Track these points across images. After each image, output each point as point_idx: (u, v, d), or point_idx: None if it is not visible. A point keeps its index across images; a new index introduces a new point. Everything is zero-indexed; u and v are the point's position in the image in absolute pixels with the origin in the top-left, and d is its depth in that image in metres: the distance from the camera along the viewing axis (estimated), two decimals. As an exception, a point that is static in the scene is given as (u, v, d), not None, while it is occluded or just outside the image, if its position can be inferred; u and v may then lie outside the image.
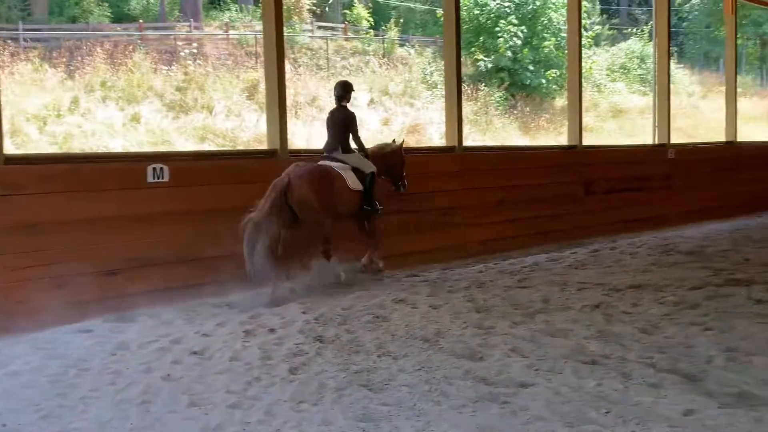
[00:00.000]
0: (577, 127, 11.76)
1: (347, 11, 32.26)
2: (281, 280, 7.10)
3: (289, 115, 8.72)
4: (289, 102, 17.83)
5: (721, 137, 15.79)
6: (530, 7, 26.49)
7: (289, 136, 8.41)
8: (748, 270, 8.11)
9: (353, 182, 7.68)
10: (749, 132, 26.85)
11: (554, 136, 25.14)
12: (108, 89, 20.75)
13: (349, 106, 8.00)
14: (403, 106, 24.44)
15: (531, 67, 26.56)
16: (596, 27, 33.19)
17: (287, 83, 8.87)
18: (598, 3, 36.83)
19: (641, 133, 24.13)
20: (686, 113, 29.39)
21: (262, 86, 11.94)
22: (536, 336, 5.53)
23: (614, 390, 4.27)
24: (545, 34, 26.54)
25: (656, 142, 13.51)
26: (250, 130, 20.28)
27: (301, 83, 23.28)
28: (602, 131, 26.06)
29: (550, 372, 4.65)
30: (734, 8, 15.38)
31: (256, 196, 7.44)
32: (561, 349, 5.16)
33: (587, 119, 25.01)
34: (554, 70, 26.50)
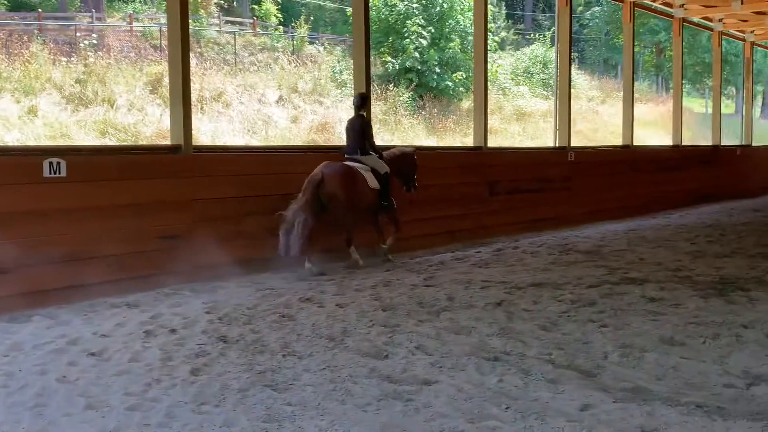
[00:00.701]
0: (483, 129, 11.99)
1: (256, 6, 31.92)
2: (307, 259, 8.21)
3: (194, 110, 8.58)
4: (194, 97, 17.48)
5: (618, 141, 16.42)
6: (437, 9, 26.84)
7: (193, 132, 8.25)
8: (642, 269, 8.45)
9: (372, 182, 8.77)
10: (645, 136, 28.06)
11: (460, 137, 25.58)
12: (3, 80, 19.82)
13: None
14: (312, 104, 24.34)
15: (438, 69, 26.92)
16: (502, 31, 33.95)
17: (192, 78, 8.70)
18: (503, 8, 37.67)
19: (543, 136, 24.86)
20: (586, 117, 30.46)
21: (167, 80, 11.66)
22: (441, 333, 5.61)
23: (514, 386, 4.37)
24: (452, 36, 26.95)
25: (557, 145, 13.91)
26: (153, 125, 19.77)
27: (208, 78, 22.86)
28: (507, 133, 26.70)
29: (453, 369, 4.72)
30: (632, 17, 16.02)
31: (158, 193, 7.33)
32: (464, 346, 5.24)
33: (492, 121, 25.54)
34: (461, 73, 26.94)
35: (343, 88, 24.87)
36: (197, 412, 4.04)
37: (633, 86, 16.40)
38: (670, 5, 17.94)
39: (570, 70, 14.23)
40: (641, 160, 16.11)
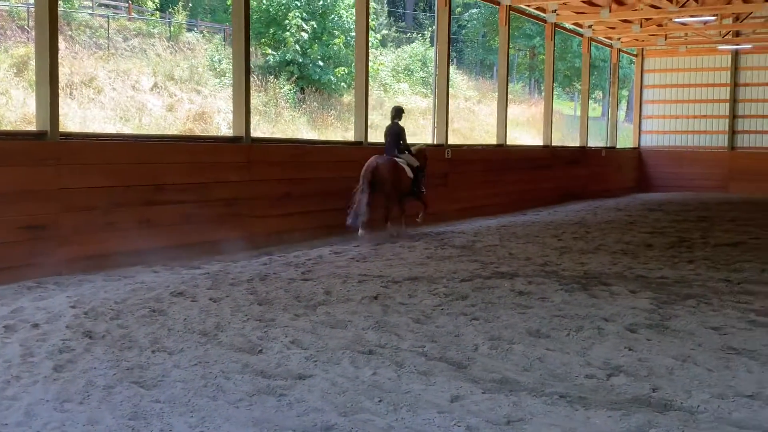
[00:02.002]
0: (363, 124, 12.06)
1: (132, -10, 30.72)
2: (361, 228, 10.51)
3: (62, 95, 8.16)
4: (63, 81, 16.62)
5: (493, 140, 16.93)
6: (320, 3, 26.74)
7: (61, 118, 7.85)
8: (513, 264, 8.76)
9: (408, 172, 11.34)
10: (518, 136, 29.05)
11: (342, 132, 25.61)
12: None
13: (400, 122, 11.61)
14: (190, 93, 23.70)
15: (321, 63, 26.83)
16: (383, 29, 34.23)
17: (61, 61, 8.28)
18: (385, 5, 37.99)
19: (422, 133, 25.25)
20: (463, 116, 31.18)
21: (33, 63, 11.04)
22: (317, 328, 5.60)
23: (388, 378, 4.41)
24: (335, 31, 26.93)
25: (435, 142, 14.18)
26: (17, 110, 18.67)
27: (78, 62, 21.81)
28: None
29: (328, 363, 4.72)
30: (507, 20, 16.53)
31: (21, 182, 6.97)
32: (340, 340, 5.25)
33: (374, 117, 25.74)
34: (343, 68, 26.96)
35: (222, 78, 24.36)
36: (59, 410, 3.85)
37: (507, 87, 16.94)
38: (543, 10, 18.64)
39: (448, 69, 14.53)
40: (514, 158, 16.68)
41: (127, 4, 28.69)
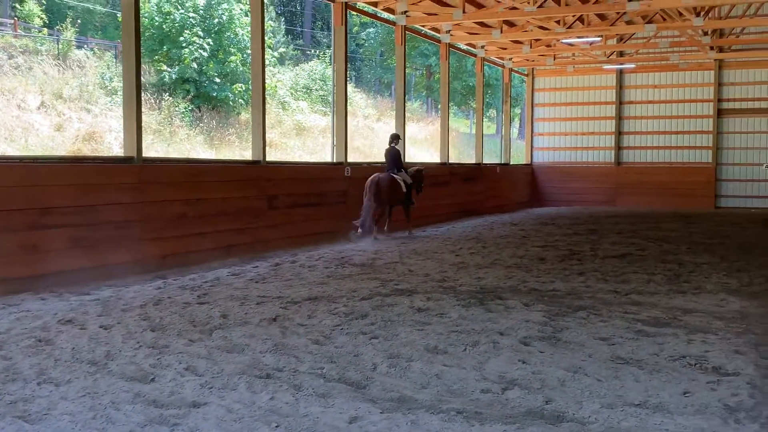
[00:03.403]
0: (261, 143, 11.96)
1: (18, 6, 29.51)
2: (374, 234, 13.27)
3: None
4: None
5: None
6: (216, 20, 26.40)
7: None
8: (412, 280, 8.84)
9: (403, 187, 13.93)
10: (417, 153, 29.45)
11: (240, 150, 25.29)
12: None
13: (396, 146, 14.45)
14: (79, 112, 22.88)
15: (218, 80, 26.47)
16: (281, 46, 34.11)
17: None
18: (283, 23, 37.91)
19: (322, 151, 25.25)
20: (363, 134, 31.39)
21: None
22: (212, 353, 5.47)
23: (285, 403, 4.35)
24: (232, 49, 26.62)
25: (335, 160, 14.20)
26: None
27: (-42, 79, 20.72)
28: (287, 147, 26.81)
29: (224, 389, 4.61)
30: (403, 40, 16.78)
31: None
32: (237, 364, 5.15)
33: (272, 135, 25.57)
34: (240, 85, 26.68)
35: (114, 96, 23.63)
36: (-69, 454, 3.61)
37: (405, 106, 17.16)
38: (438, 31, 19.04)
39: (346, 87, 14.59)
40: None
41: (12, 21, 27.50)
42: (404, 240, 13.69)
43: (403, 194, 14.00)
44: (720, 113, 23.03)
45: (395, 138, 14.50)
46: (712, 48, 21.93)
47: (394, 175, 13.82)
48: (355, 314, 6.79)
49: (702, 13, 17.82)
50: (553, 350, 5.56)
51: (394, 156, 14.23)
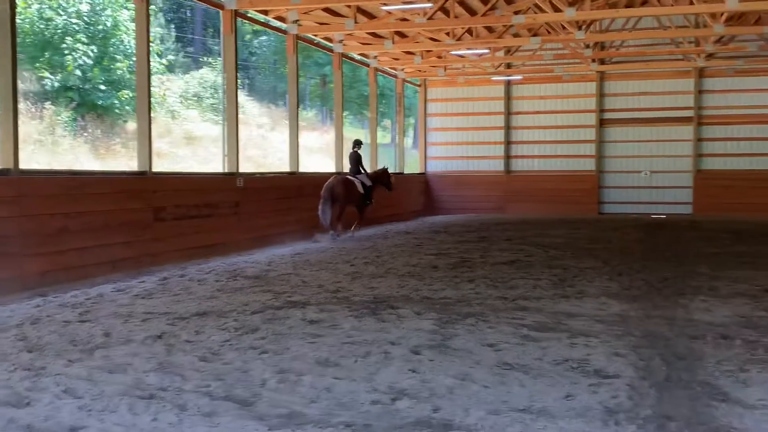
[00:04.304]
0: (147, 153, 11.61)
1: None
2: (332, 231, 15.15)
3: None
4: None
5: (286, 167, 16.95)
6: (101, 27, 25.51)
7: None
8: (305, 292, 8.76)
9: (360, 188, 15.75)
10: (312, 163, 29.32)
11: (127, 160, 24.48)
12: None
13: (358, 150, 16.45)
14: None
15: (103, 88, 25.56)
16: (171, 54, 33.31)
17: None
18: (173, 30, 37.04)
19: (214, 161, 24.78)
20: (256, 143, 31.00)
21: None
22: (93, 373, 5.23)
23: (168, 423, 4.21)
24: (117, 56, 25.78)
25: (226, 171, 13.94)
26: None
27: None
28: (176, 157, 26.15)
29: (103, 411, 4.42)
30: (295, 49, 16.70)
31: None
32: (118, 385, 4.95)
33: (161, 145, 24.87)
34: (127, 92, 25.86)
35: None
36: None
37: (298, 115, 17.07)
38: (330, 40, 19.05)
39: (237, 95, 14.38)
40: (307, 185, 16.77)
41: None
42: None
43: (360, 195, 15.87)
44: (602, 123, 24.06)
45: (357, 143, 16.52)
46: (594, 60, 22.92)
47: (352, 177, 15.86)
48: (245, 329, 6.66)
49: (584, 27, 18.57)
50: (443, 358, 5.61)
51: (355, 159, 16.25)
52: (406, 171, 25.55)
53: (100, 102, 25.45)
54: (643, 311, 7.51)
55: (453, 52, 20.04)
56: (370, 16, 18.13)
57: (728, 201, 22.76)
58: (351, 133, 41.85)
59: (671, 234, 16.70)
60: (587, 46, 21.37)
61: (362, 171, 16.30)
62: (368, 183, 16.29)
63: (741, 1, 14.83)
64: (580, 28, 18.42)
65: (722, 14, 16.87)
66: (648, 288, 8.98)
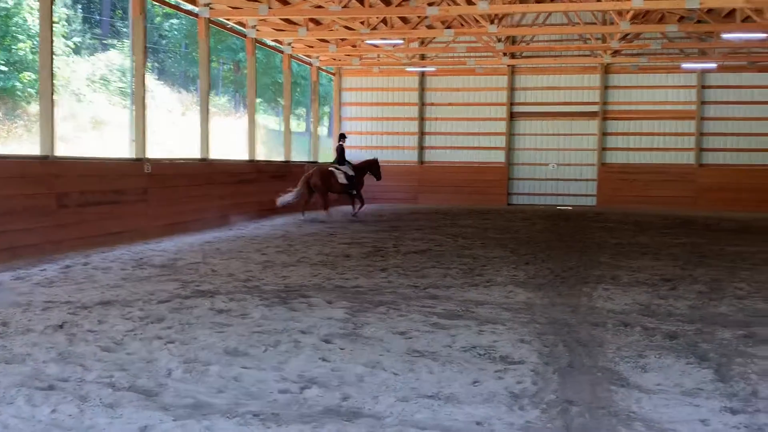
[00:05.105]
0: (50, 137, 11.16)
1: None
2: (302, 214, 17.44)
3: None
4: None
5: (197, 154, 16.59)
6: (2, 4, 24.35)
7: None
8: (214, 281, 8.62)
9: (342, 179, 17.48)
10: (224, 150, 28.83)
11: (30, 144, 23.49)
12: None
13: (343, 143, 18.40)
14: None
15: (4, 68, 24.42)
16: (77, 35, 32.10)
17: None
18: (80, 11, 35.70)
19: (121, 146, 24.05)
20: (166, 129, 30.25)
21: None
22: (-12, 365, 5.01)
23: (69, 415, 4.06)
24: (19, 36, 24.66)
25: (134, 156, 13.55)
26: None
27: None
28: (82, 142, 25.27)
29: (-1, 404, 4.23)
30: (207, 33, 16.35)
31: None
32: (15, 376, 4.75)
33: (66, 129, 23.98)
34: (30, 74, 24.79)
35: None
36: None
37: (209, 101, 16.74)
38: (243, 25, 18.75)
39: (145, 79, 13.98)
40: (219, 173, 16.51)
41: None
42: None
43: (341, 184, 17.59)
44: (512, 116, 24.57)
45: (342, 137, 18.54)
46: (505, 54, 23.34)
47: (333, 168, 17.58)
48: (150, 318, 6.50)
49: (496, 21, 18.88)
50: (353, 347, 5.63)
51: (340, 152, 17.95)
52: (321, 160, 25.44)
53: (0, 83, 24.32)
54: (548, 299, 7.72)
55: (368, 42, 20.04)
56: (285, 2, 17.93)
57: (630, 193, 23.69)
58: (265, 120, 41.40)
59: (576, 225, 17.23)
60: (499, 40, 21.74)
61: (343, 163, 17.84)
62: (351, 173, 17.77)
63: (646, 0, 15.37)
64: (492, 21, 18.71)
65: (628, 12, 17.45)
66: (553, 277, 9.24)
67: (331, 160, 19.05)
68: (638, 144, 23.99)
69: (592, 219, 19.06)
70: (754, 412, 4.26)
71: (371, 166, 18.64)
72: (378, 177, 18.83)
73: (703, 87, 23.42)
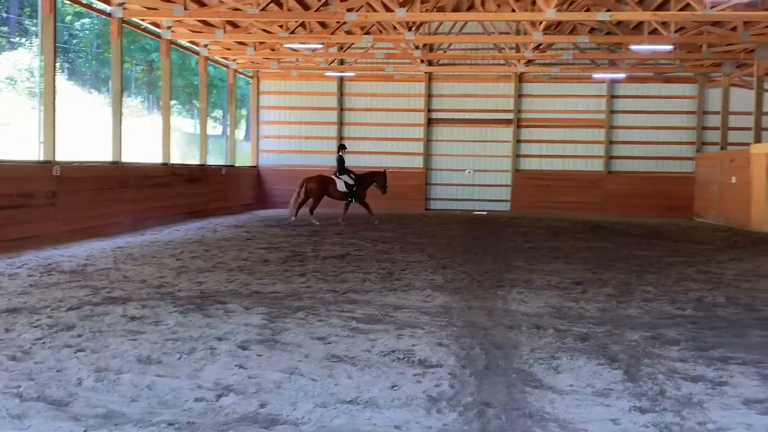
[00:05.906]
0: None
1: None
2: (293, 216, 17.84)
3: None
4: None
5: (109, 157, 16.14)
6: None
7: None
8: (126, 287, 8.39)
9: (341, 187, 17.94)
10: (138, 153, 28.13)
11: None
12: None
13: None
14: None
15: None
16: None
17: None
18: (-16, 6, 34.26)
19: (29, 148, 23.16)
20: (76, 131, 29.30)
21: None
22: None
23: (-29, 429, 3.89)
24: None
25: (42, 159, 13.07)
26: None
27: None
28: (-14, 143, 24.20)
29: None
30: (120, 33, 15.94)
31: None
32: None
33: (-32, 129, 22.91)
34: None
35: None
36: None
37: (121, 102, 16.32)
38: (158, 26, 18.36)
39: (55, 79, 13.51)
40: (131, 176, 16.10)
41: None
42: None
43: (340, 192, 17.92)
44: (430, 122, 24.86)
45: (342, 147, 18.73)
46: (422, 61, 23.61)
47: (333, 177, 18.03)
48: (60, 326, 6.28)
49: (414, 28, 19.07)
50: (271, 353, 5.57)
51: (340, 162, 18.30)
52: (238, 163, 25.14)
53: None
54: (464, 302, 7.84)
55: (286, 45, 19.94)
56: (201, 3, 17.66)
57: (543, 199, 24.30)
58: (180, 123, 40.61)
59: (491, 229, 17.56)
60: (417, 47, 21.98)
61: (344, 173, 18.13)
62: (351, 182, 18.04)
63: (558, 12, 15.82)
64: (410, 29, 18.90)
65: (541, 23, 17.91)
66: (469, 280, 9.39)
67: (248, 164, 19.01)
68: (551, 151, 24.64)
69: (507, 224, 19.46)
70: (661, 411, 4.43)
71: (377, 178, 18.40)
72: (383, 190, 18.48)
73: (613, 96, 24.28)
